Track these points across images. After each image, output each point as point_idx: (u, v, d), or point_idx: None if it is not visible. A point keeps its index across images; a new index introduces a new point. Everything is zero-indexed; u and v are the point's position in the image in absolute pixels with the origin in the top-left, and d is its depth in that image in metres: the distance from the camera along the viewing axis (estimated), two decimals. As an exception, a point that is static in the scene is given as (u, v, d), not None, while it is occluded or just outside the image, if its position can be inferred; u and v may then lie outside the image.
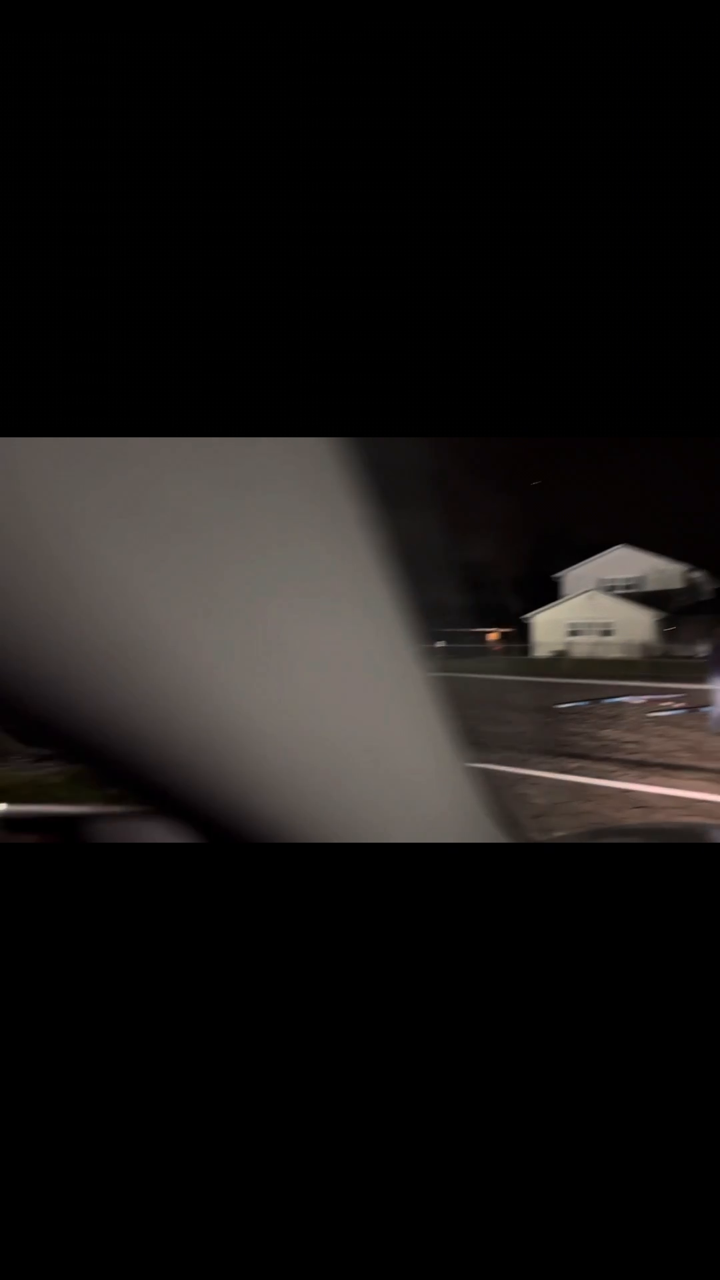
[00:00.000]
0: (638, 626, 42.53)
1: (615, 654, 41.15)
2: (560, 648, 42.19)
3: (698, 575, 49.70)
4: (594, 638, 43.64)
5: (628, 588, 47.30)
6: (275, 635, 0.66)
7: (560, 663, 33.59)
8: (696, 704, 14.71)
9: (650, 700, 16.48)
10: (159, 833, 1.44)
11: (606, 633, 43.55)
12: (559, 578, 49.95)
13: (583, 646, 42.35)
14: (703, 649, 21.62)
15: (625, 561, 48.19)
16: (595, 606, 44.31)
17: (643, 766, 9.42)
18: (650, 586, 47.91)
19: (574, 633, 44.15)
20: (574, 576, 49.16)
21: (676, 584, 48.08)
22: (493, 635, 59.49)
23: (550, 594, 50.20)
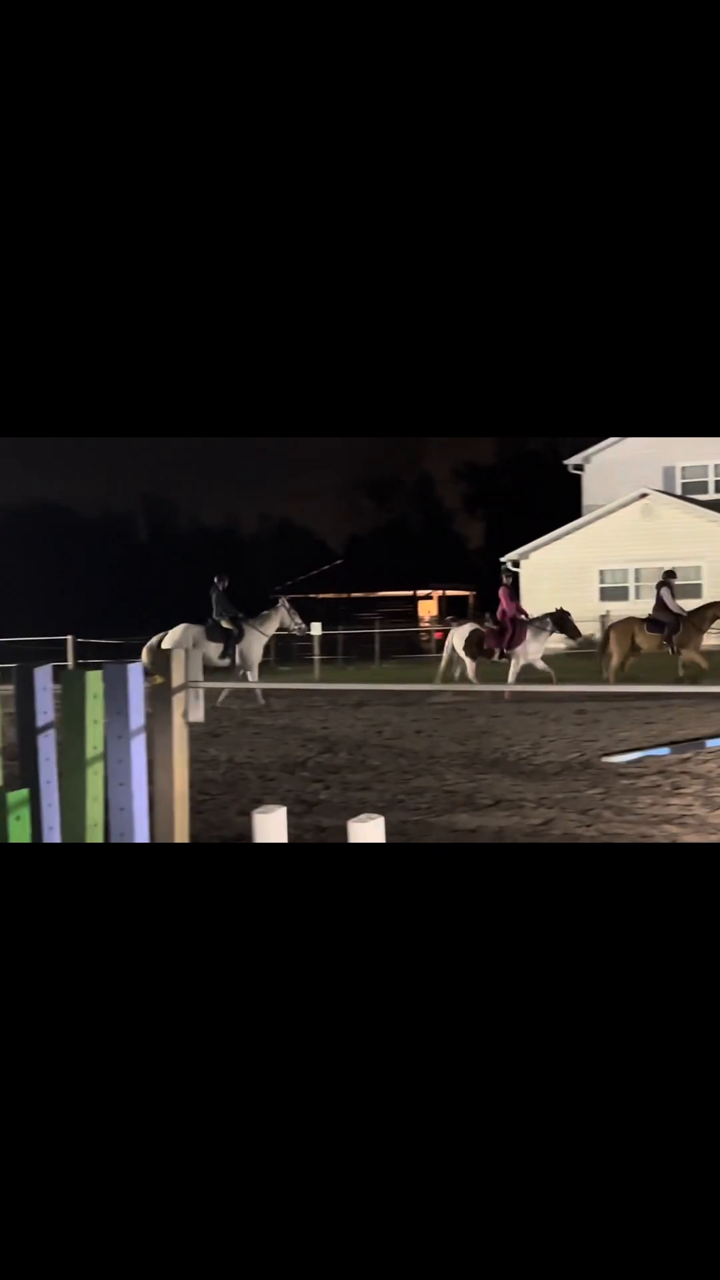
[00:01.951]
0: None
1: (712, 637, 25.97)
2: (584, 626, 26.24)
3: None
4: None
5: None
6: None
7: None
8: None
9: None
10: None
11: (687, 585, 27.76)
12: (575, 466, 33.27)
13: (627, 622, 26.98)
14: None
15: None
16: (659, 528, 27.95)
17: None
18: None
19: (613, 590, 28.27)
20: (604, 463, 32.39)
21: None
22: (429, 607, 46.04)
23: (550, 512, 33.37)
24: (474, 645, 16.96)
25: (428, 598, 46.07)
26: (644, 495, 29.01)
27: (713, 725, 10.99)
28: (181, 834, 4.18)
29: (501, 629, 16.91)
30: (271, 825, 3.30)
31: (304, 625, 17.32)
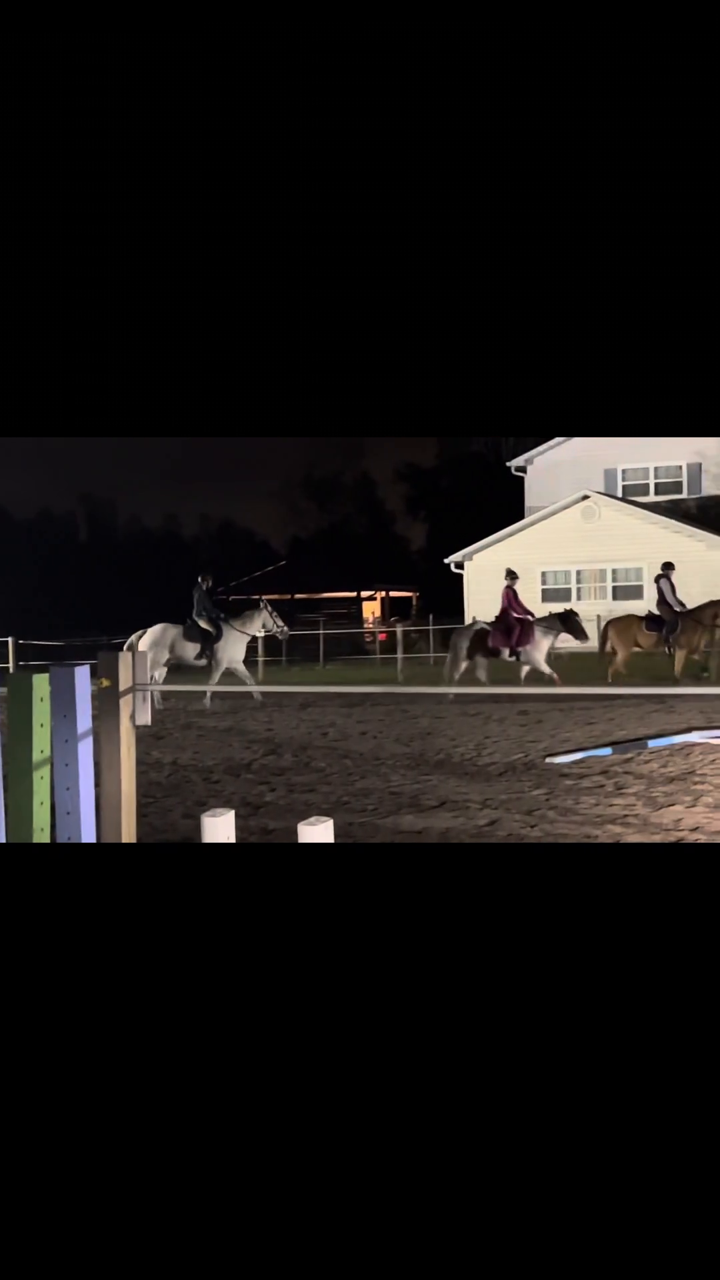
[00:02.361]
0: (696, 575, 27.08)
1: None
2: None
3: None
4: (599, 603, 28.18)
5: (671, 490, 31.25)
6: None
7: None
8: None
9: None
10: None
11: (627, 587, 27.93)
12: (518, 467, 33.53)
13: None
14: None
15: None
16: (601, 529, 28.25)
17: None
18: (719, 488, 31.65)
19: (556, 591, 28.53)
20: (547, 465, 32.65)
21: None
22: (372, 608, 46.12)
23: (492, 515, 33.60)
24: (477, 646, 16.67)
25: (371, 599, 46.14)
26: (586, 497, 29.26)
27: (654, 725, 11.13)
28: (128, 838, 4.16)
29: (508, 628, 16.60)
30: (221, 829, 3.30)
31: (284, 626, 17.18)
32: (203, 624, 16.08)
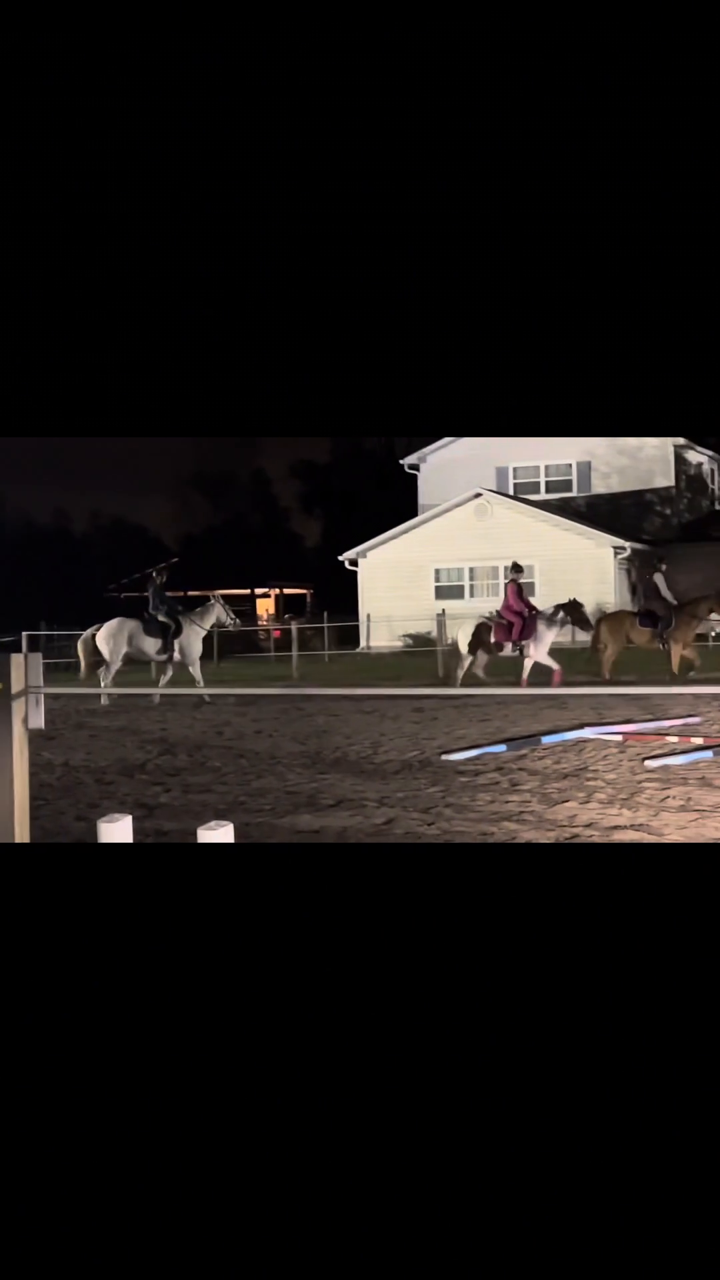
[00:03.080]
0: (586, 573, 27.46)
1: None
2: (414, 628, 26.45)
3: (703, 459, 33.96)
4: (492, 600, 28.50)
5: (561, 488, 31.68)
6: None
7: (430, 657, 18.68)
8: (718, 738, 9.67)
9: (633, 734, 10.13)
10: None
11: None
12: (411, 465, 33.70)
13: (469, 621, 27.41)
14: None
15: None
16: (493, 527, 28.56)
17: None
18: (609, 486, 32.06)
19: (449, 588, 28.76)
20: (439, 463, 32.88)
21: (664, 479, 32.18)
22: (267, 605, 46.07)
23: (386, 512, 33.77)
24: (479, 640, 16.42)
25: (265, 595, 46.00)
26: (478, 495, 29.57)
27: (547, 721, 11.27)
28: (21, 841, 4.05)
29: (509, 623, 16.37)
30: (118, 835, 3.23)
31: (236, 620, 17.19)
32: (161, 618, 15.96)
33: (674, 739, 9.58)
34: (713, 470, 34.71)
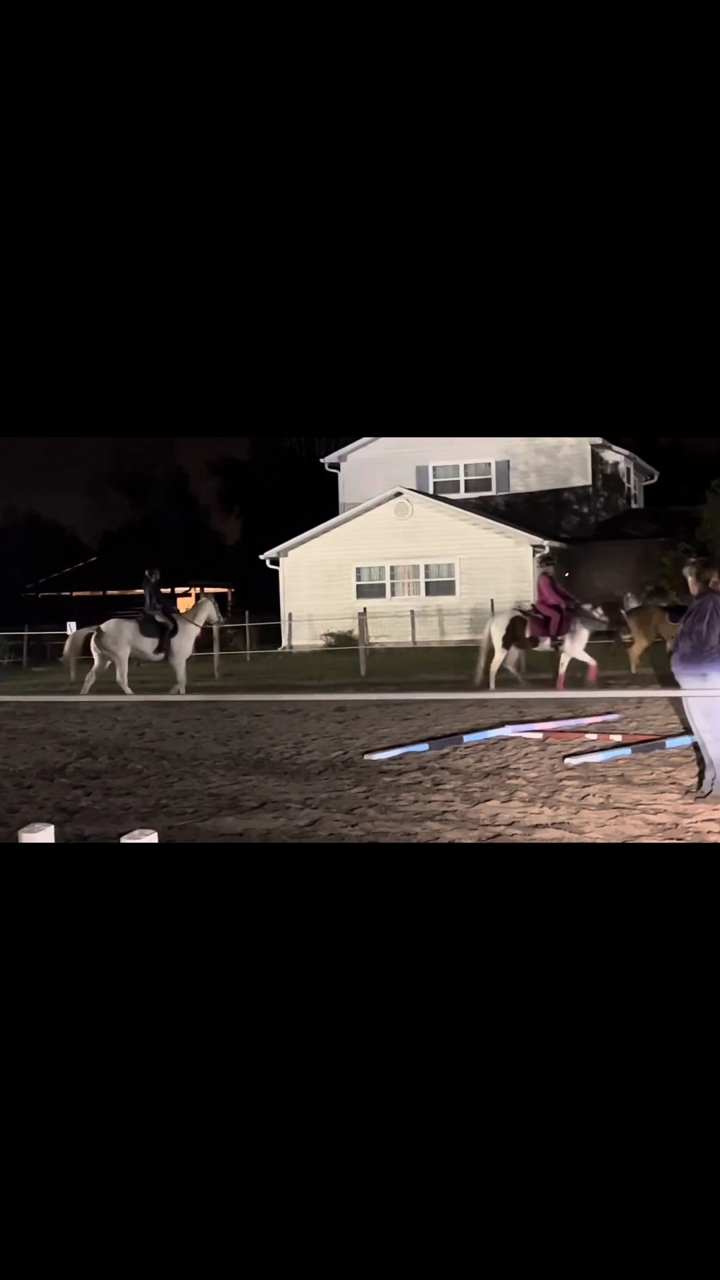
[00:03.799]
0: (505, 571, 27.69)
1: (463, 631, 26.73)
2: (336, 626, 26.80)
3: (620, 458, 34.31)
4: (413, 599, 28.67)
5: (480, 487, 31.89)
6: None
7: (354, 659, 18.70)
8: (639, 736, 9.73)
9: (553, 732, 10.21)
10: None
11: (440, 583, 28.46)
12: (331, 464, 33.74)
13: (390, 619, 27.41)
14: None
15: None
16: (414, 525, 28.73)
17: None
18: (528, 485, 32.32)
19: (370, 587, 28.84)
20: (360, 462, 32.98)
21: (582, 478, 32.49)
22: (187, 604, 45.61)
23: (308, 510, 33.81)
24: (513, 634, 15.69)
25: (185, 594, 45.64)
26: (398, 494, 29.66)
27: (469, 720, 11.35)
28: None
29: (545, 618, 15.66)
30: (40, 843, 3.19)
31: (224, 618, 17.11)
32: (159, 617, 15.92)
33: (593, 736, 9.71)
34: (629, 469, 35.20)
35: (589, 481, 32.40)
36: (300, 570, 29.87)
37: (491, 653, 15.80)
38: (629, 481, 35.50)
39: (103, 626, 15.89)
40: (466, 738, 9.84)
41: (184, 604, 44.74)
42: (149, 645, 15.77)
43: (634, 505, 35.30)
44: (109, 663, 15.73)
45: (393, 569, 29.54)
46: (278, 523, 35.91)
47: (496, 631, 15.93)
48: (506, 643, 15.74)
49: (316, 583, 29.45)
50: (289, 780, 8.22)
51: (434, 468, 32.60)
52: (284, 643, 29.80)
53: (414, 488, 30.87)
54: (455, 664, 19.76)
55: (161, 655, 15.89)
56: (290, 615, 29.92)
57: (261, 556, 31.07)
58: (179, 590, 44.93)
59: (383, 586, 29.36)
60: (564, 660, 15.39)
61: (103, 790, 8.08)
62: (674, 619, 16.26)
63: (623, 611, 16.27)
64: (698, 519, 26.84)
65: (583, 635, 15.44)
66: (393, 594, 29.16)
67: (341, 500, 33.29)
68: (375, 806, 6.99)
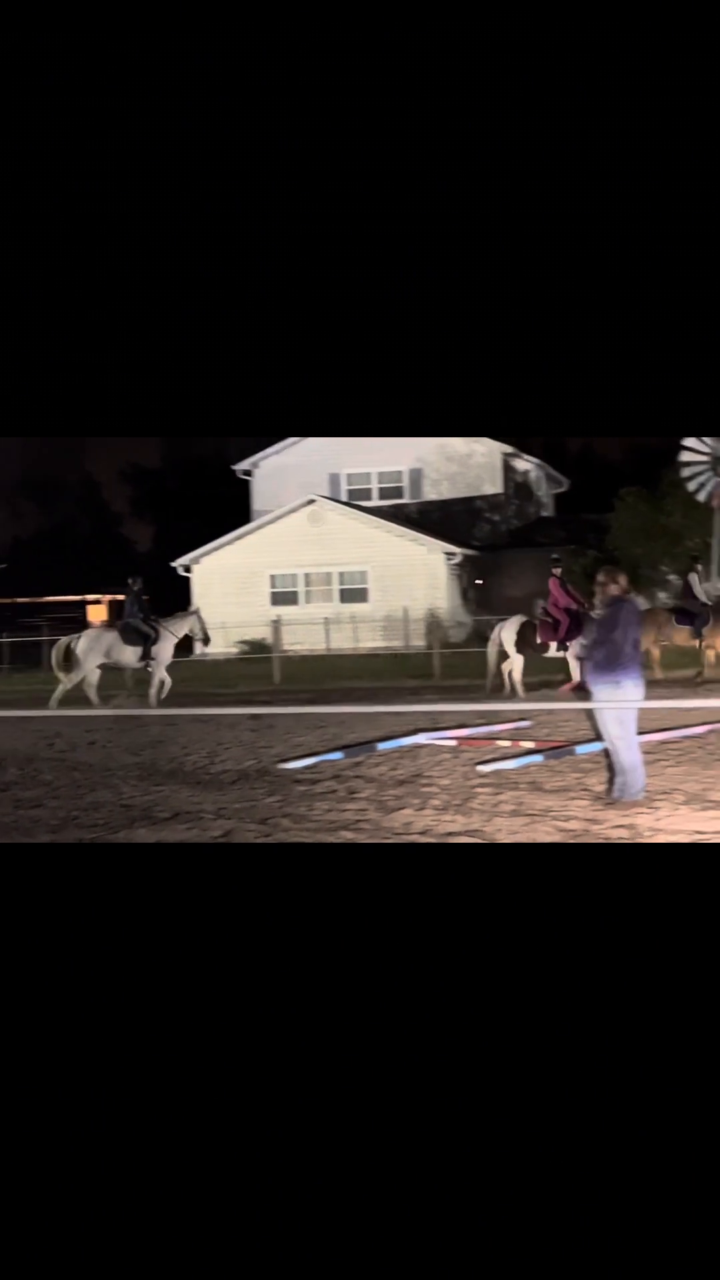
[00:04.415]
0: (418, 578, 27.85)
1: (376, 638, 26.84)
2: (249, 634, 26.70)
3: (531, 467, 34.60)
4: (326, 606, 28.70)
5: (393, 495, 32.04)
6: None
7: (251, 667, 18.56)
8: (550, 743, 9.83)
9: (466, 739, 10.27)
10: None
11: (353, 590, 28.53)
12: (244, 471, 33.64)
13: (304, 627, 27.39)
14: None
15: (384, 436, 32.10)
16: (327, 533, 28.74)
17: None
18: (440, 493, 32.49)
19: (283, 594, 28.81)
20: (272, 469, 32.94)
21: (493, 486, 32.73)
22: (99, 612, 45.23)
23: (224, 515, 33.71)
24: (524, 640, 15.33)
25: (97, 602, 45.05)
26: (311, 501, 29.66)
27: (383, 728, 11.37)
28: None
29: (555, 621, 15.38)
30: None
31: (209, 635, 16.85)
32: (141, 626, 15.74)
33: (506, 743, 9.80)
34: (540, 478, 35.63)
35: (501, 489, 32.74)
36: (212, 577, 29.70)
37: (503, 657, 15.48)
38: (540, 490, 35.94)
39: (83, 635, 15.85)
40: (380, 745, 9.86)
41: (95, 612, 44.31)
42: (131, 654, 15.65)
43: (545, 513, 35.74)
44: (80, 675, 15.55)
45: (306, 576, 29.53)
46: (190, 530, 35.58)
47: (508, 637, 15.56)
48: (519, 648, 15.38)
49: (229, 590, 29.31)
50: (203, 790, 8.16)
51: (347, 475, 32.67)
52: (197, 650, 29.57)
53: (327, 495, 30.90)
54: (370, 671, 19.82)
55: (144, 664, 15.79)
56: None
57: (173, 564, 30.83)
58: (89, 598, 44.38)
59: (296, 594, 29.34)
60: (575, 666, 14.94)
61: (12, 802, 7.94)
62: (680, 623, 16.53)
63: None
64: (607, 527, 27.33)
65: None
66: (307, 601, 29.15)
67: (254, 507, 33.20)
68: (289, 816, 6.97)
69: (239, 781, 8.52)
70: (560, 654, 15.40)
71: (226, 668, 17.44)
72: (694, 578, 16.75)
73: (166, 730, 12.28)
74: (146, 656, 15.71)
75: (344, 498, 31.90)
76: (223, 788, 8.25)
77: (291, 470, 32.24)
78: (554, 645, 15.28)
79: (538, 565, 28.52)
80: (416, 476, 32.74)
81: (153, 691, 15.75)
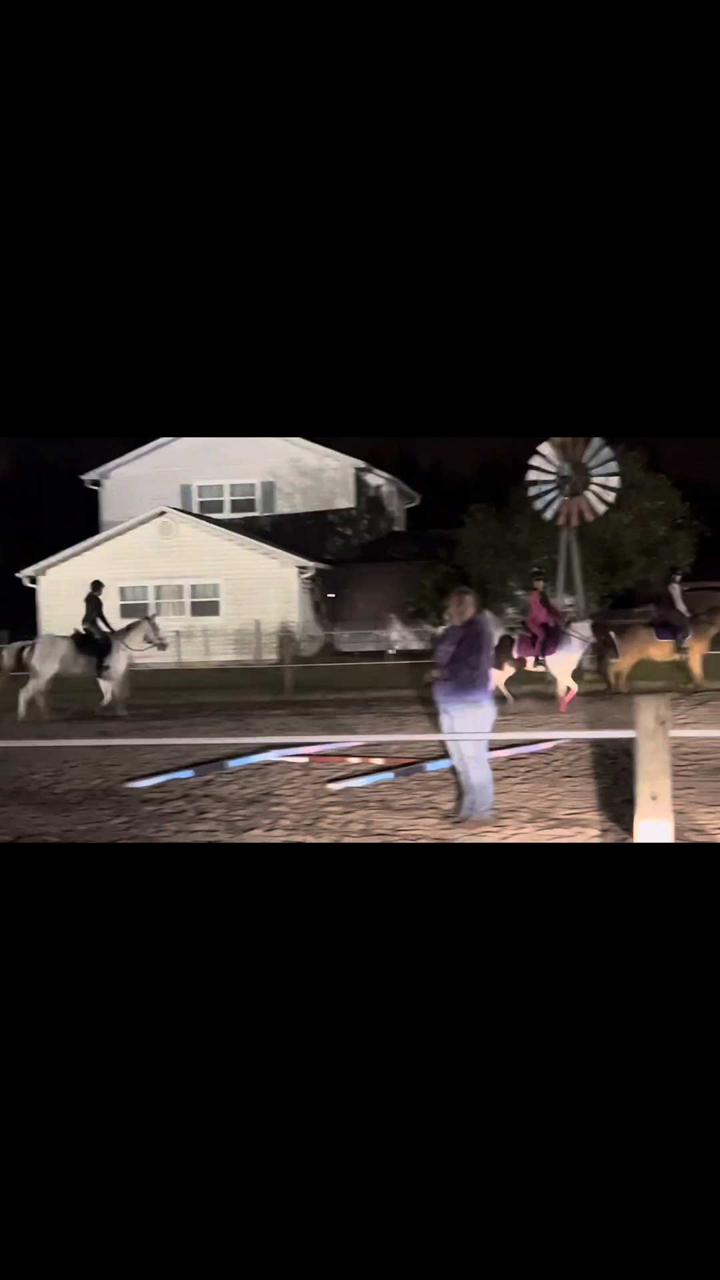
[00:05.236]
0: (270, 592, 27.74)
1: (228, 652, 26.68)
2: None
3: (382, 481, 34.68)
4: (177, 619, 28.31)
5: (245, 508, 31.83)
6: None
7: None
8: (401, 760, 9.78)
9: (317, 756, 10.12)
10: None
11: (205, 603, 28.27)
12: (93, 481, 33.10)
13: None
14: (397, 635, 17.37)
15: (237, 449, 31.81)
16: (178, 546, 28.47)
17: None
18: (292, 506, 32.38)
19: (134, 607, 28.38)
20: (122, 480, 32.46)
21: (345, 500, 32.76)
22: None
23: (70, 528, 33.14)
24: (503, 655, 14.68)
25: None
26: (162, 513, 29.30)
27: (232, 745, 11.25)
28: None
29: (533, 636, 15.02)
30: None
31: (164, 641, 16.36)
32: (95, 635, 15.50)
33: (356, 760, 9.80)
34: (391, 493, 35.95)
35: (353, 504, 32.92)
36: (60, 589, 29.01)
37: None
38: (391, 505, 36.27)
39: (37, 643, 15.57)
40: (230, 763, 9.75)
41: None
42: (83, 662, 15.41)
43: (396, 528, 36.09)
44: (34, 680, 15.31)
45: (157, 589, 29.13)
46: (37, 540, 34.77)
47: None
48: (499, 664, 14.73)
49: (78, 602, 28.58)
50: (46, 811, 7.94)
51: (198, 487, 32.43)
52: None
53: (178, 507, 30.59)
54: (222, 684, 19.65)
55: (98, 673, 15.53)
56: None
57: (19, 574, 30.07)
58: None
59: (146, 606, 28.88)
60: (562, 678, 14.88)
61: None
62: (662, 636, 16.32)
63: (611, 634, 16.12)
64: (456, 542, 27.73)
65: (571, 655, 14.87)
66: (157, 613, 28.77)
67: (104, 518, 32.66)
68: (138, 838, 6.83)
69: (85, 802, 8.31)
70: (538, 669, 15.36)
71: (72, 680, 17.01)
72: (675, 589, 16.73)
73: (8, 748, 11.92)
74: (100, 667, 15.49)
75: (196, 510, 31.63)
76: (68, 809, 8.04)
77: (142, 481, 31.82)
78: (530, 660, 15.17)
79: (389, 579, 28.94)
80: (269, 489, 32.70)
81: (108, 698, 15.58)
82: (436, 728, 8.41)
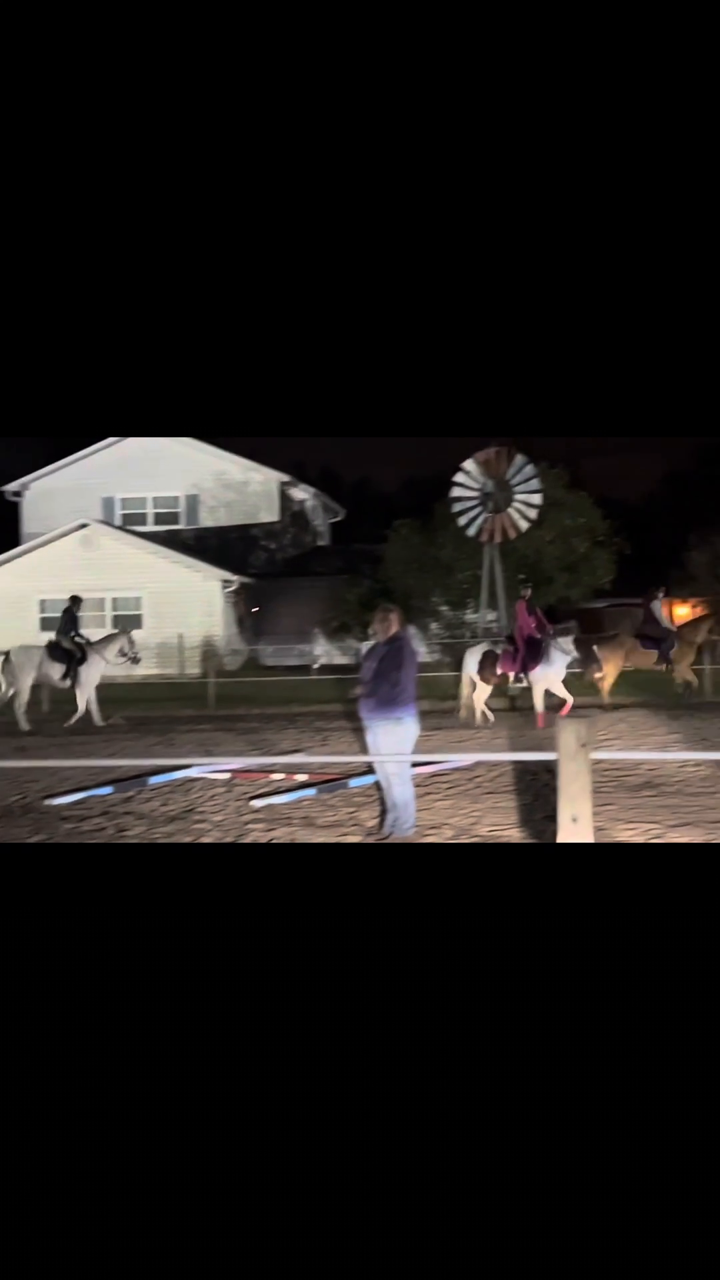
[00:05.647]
0: (194, 605, 27.52)
1: (151, 665, 26.42)
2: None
3: (307, 496, 34.59)
4: (99, 632, 27.96)
5: (169, 521, 31.59)
6: None
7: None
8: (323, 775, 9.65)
9: (239, 772, 10.06)
10: None
11: (127, 616, 27.93)
12: (13, 493, 32.67)
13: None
14: (322, 650, 17.60)
15: (160, 462, 31.59)
16: (100, 558, 28.18)
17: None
18: (216, 520, 32.16)
19: (54, 619, 28.02)
20: (43, 491, 32.08)
21: (269, 514, 32.59)
22: None
23: None
24: (486, 669, 14.61)
25: None
26: (84, 525, 28.99)
27: (155, 759, 11.14)
28: None
29: (516, 650, 14.66)
30: None
31: (138, 655, 16.45)
32: (65, 644, 15.44)
33: (279, 775, 9.75)
34: (316, 507, 36.00)
35: (276, 518, 32.90)
36: (-20, 601, 28.61)
37: (473, 687, 14.97)
38: (316, 519, 36.31)
39: (10, 652, 15.46)
40: (152, 779, 9.64)
41: None
42: (56, 671, 15.39)
43: (320, 542, 36.13)
44: (11, 690, 15.24)
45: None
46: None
47: (471, 666, 15.04)
48: (486, 678, 14.90)
49: (-2, 614, 28.29)
50: (-38, 829, 7.78)
51: (121, 499, 32.19)
52: None
53: (100, 519, 30.30)
54: (144, 698, 19.46)
55: (68, 683, 15.47)
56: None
57: (-62, 586, 29.56)
58: None
59: (67, 619, 28.57)
60: (536, 697, 14.59)
61: None
62: (646, 647, 16.49)
63: (595, 647, 16.02)
64: (380, 558, 27.84)
65: (556, 668, 14.52)
66: (80, 626, 28.40)
67: (24, 530, 32.25)
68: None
69: (1, 819, 8.16)
70: (521, 684, 15.15)
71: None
72: (656, 605, 16.83)
73: None
74: (69, 675, 15.44)
75: (118, 522, 31.37)
76: (-16, 826, 7.88)
77: (63, 493, 31.50)
78: (511, 676, 14.91)
79: (313, 594, 28.95)
80: (193, 502, 32.56)
81: (81, 710, 15.51)
82: (361, 743, 8.41)
